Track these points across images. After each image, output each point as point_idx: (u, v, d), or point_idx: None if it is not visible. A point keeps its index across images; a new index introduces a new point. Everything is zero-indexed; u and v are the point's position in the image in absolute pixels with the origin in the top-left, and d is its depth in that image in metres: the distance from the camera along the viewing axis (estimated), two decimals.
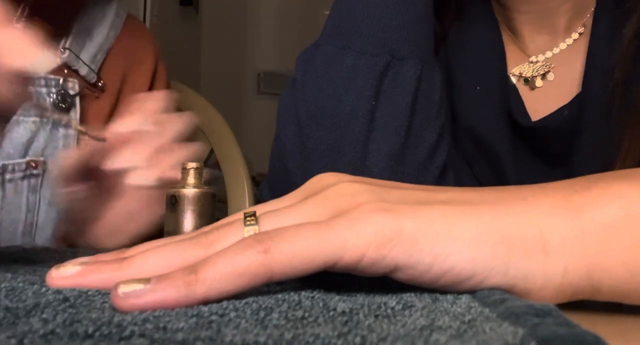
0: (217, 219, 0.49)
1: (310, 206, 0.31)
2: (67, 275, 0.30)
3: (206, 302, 0.26)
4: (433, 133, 0.52)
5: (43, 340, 0.20)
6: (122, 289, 0.25)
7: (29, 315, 0.23)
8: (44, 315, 0.23)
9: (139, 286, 0.25)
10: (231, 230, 0.30)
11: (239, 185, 1.07)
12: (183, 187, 0.41)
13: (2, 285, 0.30)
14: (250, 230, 0.30)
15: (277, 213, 0.31)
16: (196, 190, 0.41)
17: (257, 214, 0.31)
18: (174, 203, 0.41)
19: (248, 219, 0.30)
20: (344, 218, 0.28)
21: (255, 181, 3.03)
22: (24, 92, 0.38)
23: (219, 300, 0.26)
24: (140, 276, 0.26)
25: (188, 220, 0.41)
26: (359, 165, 0.50)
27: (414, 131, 0.51)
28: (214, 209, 0.42)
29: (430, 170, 0.51)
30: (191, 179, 0.41)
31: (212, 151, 1.10)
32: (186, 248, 0.30)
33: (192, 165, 0.42)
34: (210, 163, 1.16)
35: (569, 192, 0.29)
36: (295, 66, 0.56)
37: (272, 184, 0.56)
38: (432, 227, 0.27)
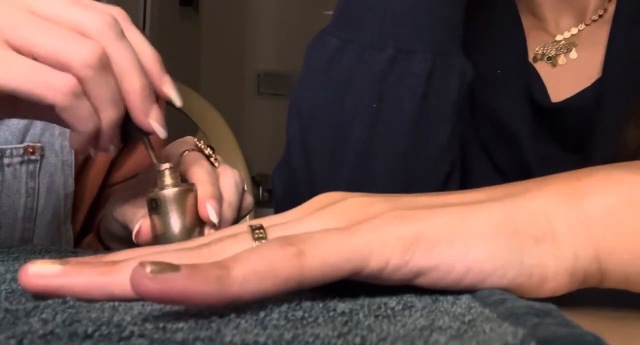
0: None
1: (322, 218, 0.30)
2: (45, 274, 0.26)
3: (235, 303, 0.24)
4: (442, 137, 0.50)
5: (42, 340, 0.20)
6: (152, 269, 0.22)
7: (29, 315, 0.23)
8: (44, 316, 0.23)
9: (171, 270, 0.22)
10: (238, 243, 0.28)
11: None
12: (162, 188, 0.41)
13: (2, 287, 0.30)
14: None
15: (287, 225, 0.30)
16: (175, 189, 0.41)
17: (264, 227, 0.29)
18: (155, 206, 0.41)
19: (257, 231, 0.29)
20: (366, 225, 0.27)
21: (255, 181, 3.03)
22: None
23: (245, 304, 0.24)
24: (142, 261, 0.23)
25: (174, 220, 0.41)
26: (361, 167, 0.49)
27: (420, 134, 0.49)
28: (197, 205, 0.42)
29: (435, 175, 0.50)
30: (168, 179, 0.41)
31: None
32: (188, 259, 0.27)
33: (166, 165, 0.41)
34: None
35: (571, 180, 0.30)
36: (305, 55, 0.54)
37: (284, 175, 0.55)
38: (448, 227, 0.27)
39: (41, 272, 0.26)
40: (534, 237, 0.28)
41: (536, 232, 0.28)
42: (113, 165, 0.76)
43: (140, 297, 0.22)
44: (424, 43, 0.48)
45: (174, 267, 0.23)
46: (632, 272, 0.28)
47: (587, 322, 0.22)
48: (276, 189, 0.55)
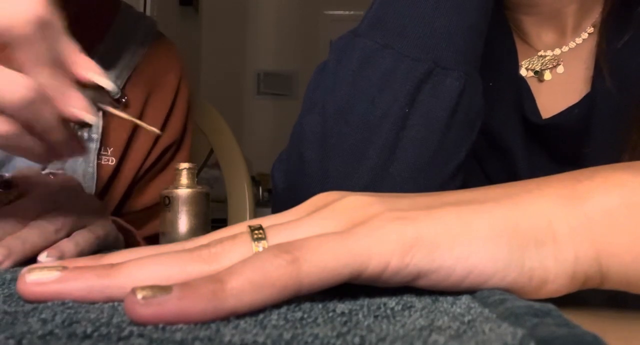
0: (218, 219, 0.49)
1: (320, 219, 0.29)
2: (44, 280, 0.26)
3: (233, 315, 0.24)
4: (463, 151, 0.50)
5: (41, 340, 0.20)
6: (144, 294, 0.22)
7: (28, 316, 0.23)
8: (43, 316, 0.23)
9: (163, 293, 0.22)
10: (237, 245, 0.28)
11: (239, 185, 1.07)
12: (176, 187, 0.41)
13: (1, 288, 0.30)
14: (259, 245, 0.28)
15: (286, 226, 0.29)
16: (189, 190, 0.41)
17: (264, 227, 0.29)
18: (167, 204, 0.41)
19: (256, 232, 0.28)
20: (364, 227, 0.27)
21: (255, 181, 3.03)
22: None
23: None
24: (134, 286, 0.23)
25: (183, 220, 0.41)
26: (381, 171, 0.48)
27: (446, 147, 0.49)
28: (208, 208, 0.42)
29: (450, 187, 0.50)
30: (184, 179, 0.41)
31: (212, 151, 1.10)
32: (188, 261, 0.27)
33: (184, 165, 0.41)
34: (210, 163, 1.16)
35: (572, 182, 0.30)
36: (330, 51, 0.53)
37: (287, 168, 0.53)
38: (448, 229, 0.27)
39: (39, 280, 0.26)
40: (535, 239, 0.28)
41: (537, 234, 0.28)
42: (131, 192, 0.77)
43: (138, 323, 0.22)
44: (460, 63, 0.49)
45: (165, 289, 0.23)
46: (633, 274, 0.28)
47: (587, 322, 0.22)
48: (276, 182, 0.54)
